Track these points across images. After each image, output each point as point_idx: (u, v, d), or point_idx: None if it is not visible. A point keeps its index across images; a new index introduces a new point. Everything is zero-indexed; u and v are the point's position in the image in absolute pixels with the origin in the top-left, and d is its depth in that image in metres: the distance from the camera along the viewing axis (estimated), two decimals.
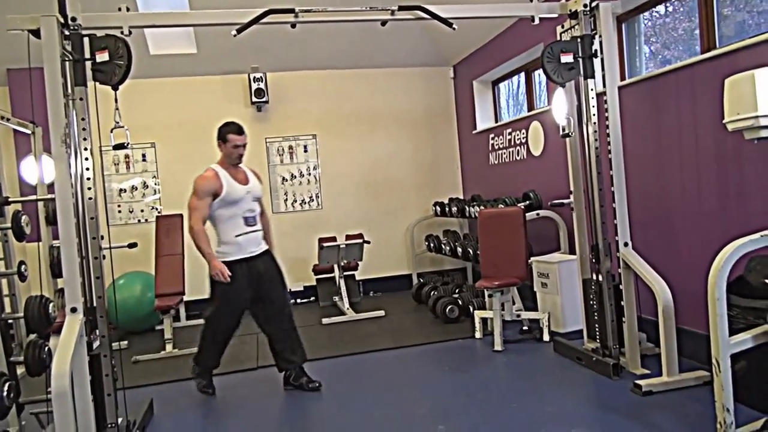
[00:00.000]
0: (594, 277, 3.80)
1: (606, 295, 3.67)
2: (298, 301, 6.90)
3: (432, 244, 6.75)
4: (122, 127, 3.09)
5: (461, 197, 7.14)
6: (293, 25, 3.50)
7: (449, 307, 5.21)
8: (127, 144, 3.08)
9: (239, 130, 3.72)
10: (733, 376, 2.51)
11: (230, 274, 3.53)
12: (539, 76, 5.89)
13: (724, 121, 3.02)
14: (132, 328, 5.81)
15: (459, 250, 5.99)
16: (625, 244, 3.57)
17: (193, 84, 6.74)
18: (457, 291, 5.71)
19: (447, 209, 6.64)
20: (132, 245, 4.39)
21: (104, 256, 3.16)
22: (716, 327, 2.44)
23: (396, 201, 7.24)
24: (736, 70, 2.96)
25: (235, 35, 3.31)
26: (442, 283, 6.16)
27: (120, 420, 3.13)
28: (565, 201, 4.16)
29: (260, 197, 3.83)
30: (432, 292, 5.77)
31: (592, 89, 3.60)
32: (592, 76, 3.59)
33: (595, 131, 3.61)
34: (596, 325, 3.82)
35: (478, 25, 5.86)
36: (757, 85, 2.81)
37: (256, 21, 3.30)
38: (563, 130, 3.84)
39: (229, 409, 3.67)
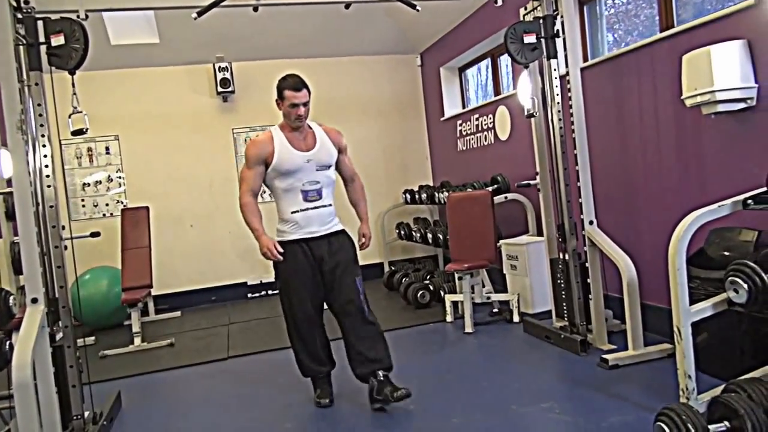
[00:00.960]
0: (561, 256, 3.85)
1: (572, 274, 3.72)
2: (269, 293, 6.86)
3: (403, 232, 6.76)
4: (80, 112, 3.01)
5: (431, 184, 7.16)
6: (255, 9, 3.46)
7: (420, 292, 5.23)
8: (86, 129, 3.00)
9: (297, 85, 3.01)
10: (695, 347, 2.57)
11: (282, 251, 3.03)
12: (506, 61, 5.92)
13: (682, 97, 3.08)
14: (99, 325, 5.70)
15: (429, 236, 6.01)
16: (591, 223, 3.62)
17: (156, 74, 6.61)
18: (428, 277, 5.73)
19: (417, 196, 6.66)
20: (94, 234, 4.29)
21: (66, 247, 3.09)
22: (677, 296, 2.49)
23: (366, 189, 7.19)
24: (693, 47, 3.03)
25: (195, 18, 3.26)
26: (413, 270, 6.19)
27: (87, 413, 3.08)
28: (532, 182, 4.20)
29: (330, 164, 3.15)
30: (403, 279, 5.79)
31: (555, 69, 3.63)
32: (555, 57, 3.62)
33: (559, 111, 3.65)
34: (564, 304, 3.87)
35: (444, 11, 5.88)
36: (713, 60, 2.88)
37: (216, 3, 3.25)
38: (528, 110, 3.88)
39: (198, 400, 3.63)
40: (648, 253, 3.66)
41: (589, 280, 3.66)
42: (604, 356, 3.33)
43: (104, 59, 6.20)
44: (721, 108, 2.92)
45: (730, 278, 2.42)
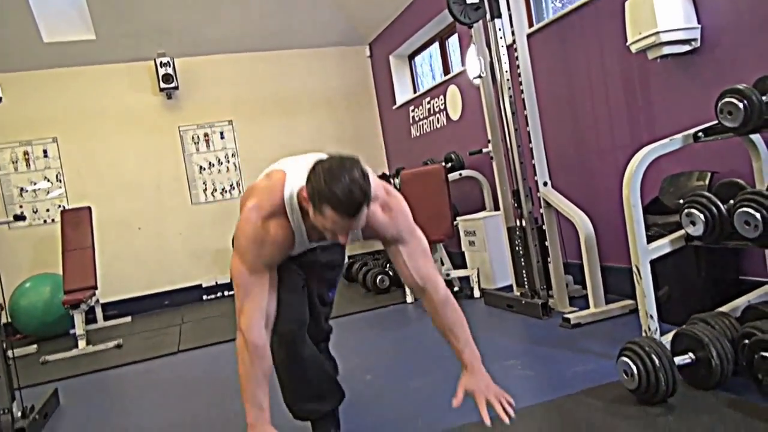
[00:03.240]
0: (518, 223, 3.77)
1: (530, 238, 3.63)
2: (225, 293, 6.61)
3: None
4: None
5: (387, 172, 7.04)
6: None
7: (379, 277, 5.09)
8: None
9: (351, 208, 1.63)
10: (657, 301, 2.50)
11: None
12: (454, 45, 5.86)
13: (628, 43, 3.04)
14: (43, 334, 5.40)
15: None
16: (545, 184, 3.55)
17: (94, 73, 6.30)
18: (387, 264, 5.59)
19: None
20: (18, 217, 3.98)
21: None
22: (634, 234, 2.41)
23: None
24: None
25: None
26: (372, 260, 6.05)
27: (18, 413, 2.82)
28: (484, 149, 4.12)
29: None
30: (362, 268, 5.64)
31: (500, 29, 3.56)
32: (499, 16, 3.55)
33: (507, 71, 3.57)
34: (523, 271, 3.78)
35: None
36: (655, 2, 2.84)
37: None
38: (476, 74, 3.80)
39: (143, 394, 3.41)
40: (604, 211, 3.59)
41: (547, 243, 3.58)
42: (566, 316, 3.24)
43: (38, 58, 5.91)
44: (666, 50, 2.88)
45: (686, 211, 2.34)
